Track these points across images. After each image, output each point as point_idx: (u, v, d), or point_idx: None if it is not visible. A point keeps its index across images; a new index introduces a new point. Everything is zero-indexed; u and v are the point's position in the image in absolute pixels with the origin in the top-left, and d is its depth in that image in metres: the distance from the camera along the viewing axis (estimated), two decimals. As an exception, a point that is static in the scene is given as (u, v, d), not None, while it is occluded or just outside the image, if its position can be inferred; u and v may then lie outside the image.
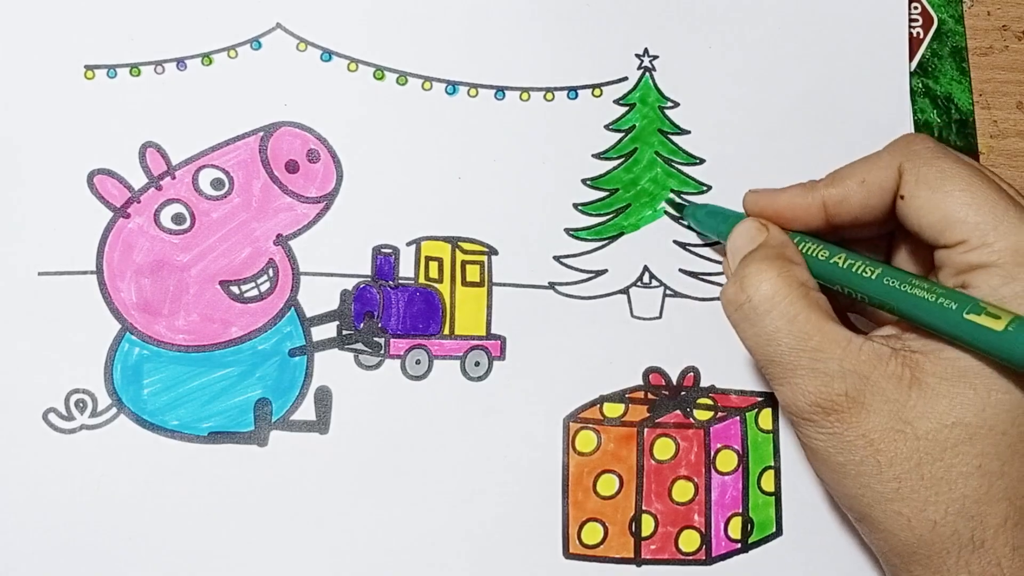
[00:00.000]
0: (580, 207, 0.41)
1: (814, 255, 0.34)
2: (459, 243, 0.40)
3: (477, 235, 0.40)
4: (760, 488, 0.40)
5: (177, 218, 0.39)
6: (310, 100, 0.40)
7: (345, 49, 0.41)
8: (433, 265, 0.40)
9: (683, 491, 0.39)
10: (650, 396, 0.40)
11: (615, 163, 0.41)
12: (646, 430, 0.39)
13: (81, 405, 0.38)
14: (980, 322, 0.28)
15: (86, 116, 0.39)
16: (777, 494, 0.40)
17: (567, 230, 0.41)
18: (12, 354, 0.38)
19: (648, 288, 0.40)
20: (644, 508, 0.39)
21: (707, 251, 0.41)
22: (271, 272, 0.39)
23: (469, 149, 0.40)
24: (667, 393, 0.40)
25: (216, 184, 0.39)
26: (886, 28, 0.42)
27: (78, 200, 0.39)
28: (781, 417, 0.40)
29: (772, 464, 0.40)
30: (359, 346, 0.39)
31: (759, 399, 0.40)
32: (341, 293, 0.39)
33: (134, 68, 0.40)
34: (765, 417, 0.40)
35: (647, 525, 0.39)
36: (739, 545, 0.39)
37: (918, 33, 0.43)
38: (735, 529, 0.39)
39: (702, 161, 0.41)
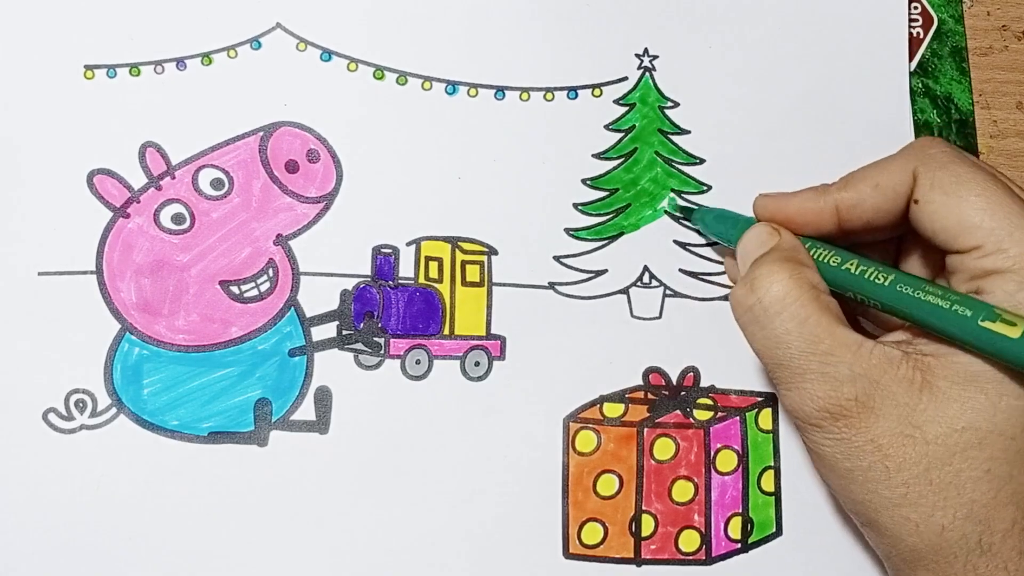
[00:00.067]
0: (580, 207, 0.41)
1: (826, 261, 0.34)
2: (459, 243, 0.40)
3: (477, 235, 0.40)
4: (760, 488, 0.40)
5: (177, 218, 0.39)
6: (310, 100, 0.40)
7: (345, 49, 0.41)
8: (433, 265, 0.40)
9: (683, 491, 0.39)
10: (650, 396, 0.40)
11: (615, 163, 0.41)
12: (646, 430, 0.39)
13: (81, 405, 0.38)
14: (995, 329, 0.28)
15: (86, 116, 0.39)
16: (777, 494, 0.40)
17: (567, 230, 0.41)
18: (12, 354, 0.38)
19: (648, 288, 0.40)
20: (644, 508, 0.39)
21: (707, 251, 0.41)
22: (271, 272, 0.39)
23: (469, 149, 0.40)
24: (667, 393, 0.40)
25: (216, 184, 0.39)
26: (886, 28, 0.42)
27: (78, 200, 0.39)
28: (781, 417, 0.40)
29: (772, 464, 0.40)
30: (359, 346, 0.39)
31: (759, 399, 0.40)
32: (341, 293, 0.39)
33: (134, 68, 0.40)
34: (765, 417, 0.40)
35: (647, 525, 0.39)
36: (739, 545, 0.39)
37: (918, 33, 0.43)
38: (735, 529, 0.39)
39: (702, 161, 0.41)
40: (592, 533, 0.39)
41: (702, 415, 0.40)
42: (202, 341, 0.39)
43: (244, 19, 0.40)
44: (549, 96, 0.41)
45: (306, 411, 0.39)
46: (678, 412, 0.40)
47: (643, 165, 0.41)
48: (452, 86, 0.41)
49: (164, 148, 0.39)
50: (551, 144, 0.41)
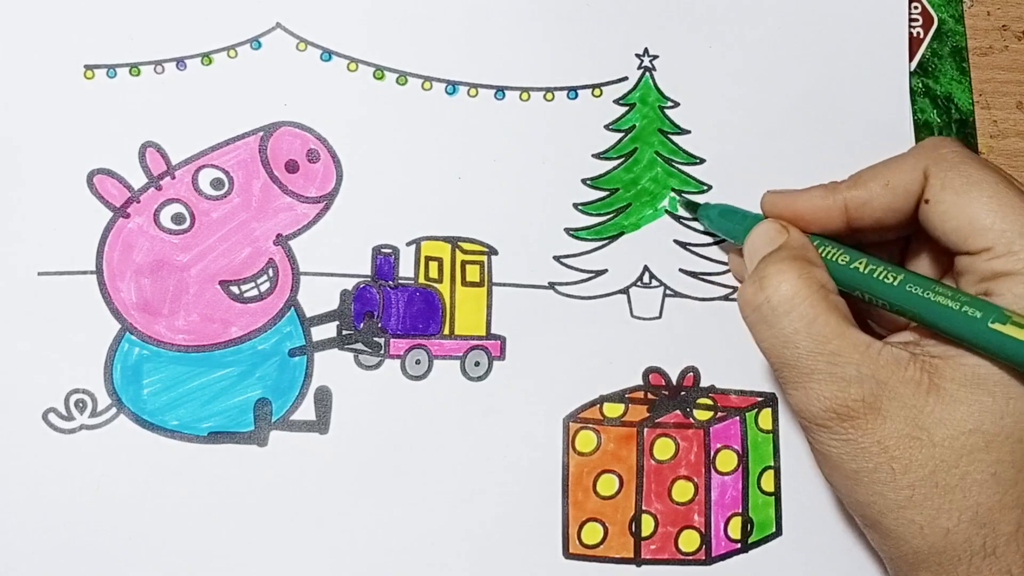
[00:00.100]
0: (580, 207, 0.41)
1: (834, 259, 0.34)
2: (459, 243, 0.40)
3: (477, 235, 0.40)
4: (760, 488, 0.40)
5: (177, 218, 0.39)
6: (310, 100, 0.40)
7: (345, 49, 0.41)
8: (433, 265, 0.40)
9: (683, 491, 0.39)
10: (650, 396, 0.40)
11: (615, 163, 0.41)
12: (646, 430, 0.39)
13: (81, 405, 0.38)
14: (1006, 331, 0.28)
15: (86, 116, 0.39)
16: (777, 494, 0.40)
17: (567, 230, 0.41)
18: (12, 354, 0.38)
19: (648, 288, 0.40)
20: (644, 508, 0.39)
21: (708, 251, 0.41)
22: (271, 272, 0.39)
23: (469, 149, 0.40)
24: (667, 393, 0.40)
25: (216, 184, 0.39)
26: (886, 28, 0.42)
27: (78, 200, 0.39)
28: (781, 417, 0.40)
29: (772, 464, 0.40)
30: (359, 346, 0.39)
31: (759, 399, 0.40)
32: (341, 293, 0.39)
33: (134, 68, 0.40)
34: (765, 417, 0.40)
35: (647, 525, 0.39)
36: (739, 545, 0.39)
37: (918, 33, 0.43)
38: (735, 529, 0.39)
39: (702, 161, 0.41)
40: (592, 533, 0.39)
41: (702, 415, 0.40)
42: (202, 341, 0.39)
43: (244, 19, 0.40)
44: (549, 96, 0.41)
45: (306, 411, 0.39)
46: (678, 412, 0.40)
47: (643, 165, 0.41)
48: (452, 86, 0.41)
49: (164, 148, 0.39)
50: (551, 144, 0.41)
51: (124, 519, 0.37)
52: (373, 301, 0.39)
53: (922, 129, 0.42)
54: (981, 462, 0.29)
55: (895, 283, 0.32)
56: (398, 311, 0.39)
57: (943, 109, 0.42)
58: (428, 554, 0.38)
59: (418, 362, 0.39)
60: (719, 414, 0.40)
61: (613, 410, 0.40)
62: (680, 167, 0.41)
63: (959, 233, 0.31)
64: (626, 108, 0.41)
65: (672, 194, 0.41)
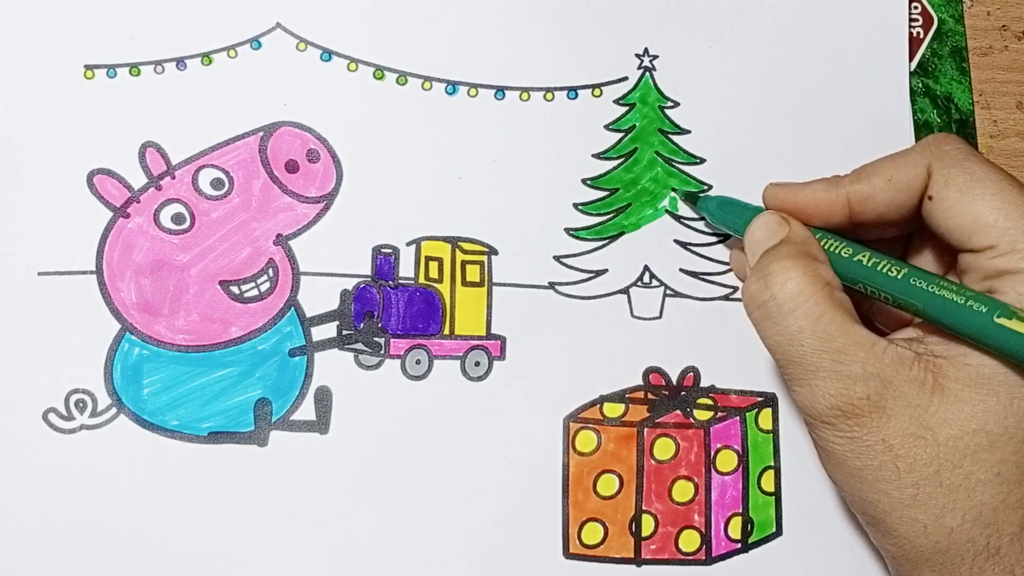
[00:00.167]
0: (580, 207, 0.41)
1: (837, 252, 0.33)
2: (459, 243, 0.40)
3: (477, 235, 0.40)
4: (760, 488, 0.40)
5: (177, 218, 0.39)
6: (310, 100, 0.40)
7: (345, 49, 0.41)
8: (433, 265, 0.40)
9: (683, 491, 0.39)
10: (650, 396, 0.40)
11: (615, 163, 0.41)
12: (646, 430, 0.39)
13: (81, 405, 0.38)
14: (1011, 326, 0.28)
15: (86, 116, 0.39)
16: (777, 494, 0.40)
17: (567, 230, 0.41)
18: (12, 354, 0.38)
19: (648, 288, 0.40)
20: (644, 508, 0.39)
21: (708, 251, 0.41)
22: (271, 272, 0.39)
23: (469, 149, 0.40)
24: (667, 393, 0.40)
25: (216, 184, 0.39)
26: (886, 28, 0.42)
27: (78, 200, 0.39)
28: (781, 417, 0.40)
29: (772, 464, 0.40)
30: (359, 346, 0.39)
31: (759, 399, 0.40)
32: (341, 293, 0.39)
33: (134, 68, 0.40)
34: (765, 417, 0.40)
35: (647, 525, 0.39)
36: (739, 545, 0.39)
37: (918, 33, 0.43)
38: (735, 529, 0.39)
39: (702, 161, 0.41)
40: (592, 533, 0.39)
41: (702, 415, 0.40)
42: (202, 341, 0.39)
43: (244, 19, 0.40)
44: (549, 96, 0.41)
45: (306, 411, 0.39)
46: (678, 412, 0.40)
47: (643, 165, 0.41)
48: (452, 86, 0.41)
49: (164, 148, 0.39)
50: (551, 144, 0.41)
51: (124, 519, 0.37)
52: (373, 301, 0.39)
53: (922, 129, 0.42)
54: (985, 462, 0.29)
55: (899, 276, 0.31)
56: (398, 311, 0.39)
57: (943, 109, 0.42)
58: (428, 554, 0.38)
59: (418, 362, 0.39)
60: (719, 414, 0.40)
61: (613, 410, 0.40)
62: (680, 167, 0.41)
63: (963, 230, 0.31)
64: (626, 108, 0.41)
65: (672, 193, 0.41)
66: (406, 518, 0.38)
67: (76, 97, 0.39)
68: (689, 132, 0.41)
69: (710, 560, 0.39)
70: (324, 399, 0.39)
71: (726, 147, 0.41)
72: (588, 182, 0.41)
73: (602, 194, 0.41)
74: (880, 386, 0.30)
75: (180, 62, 0.40)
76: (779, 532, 0.39)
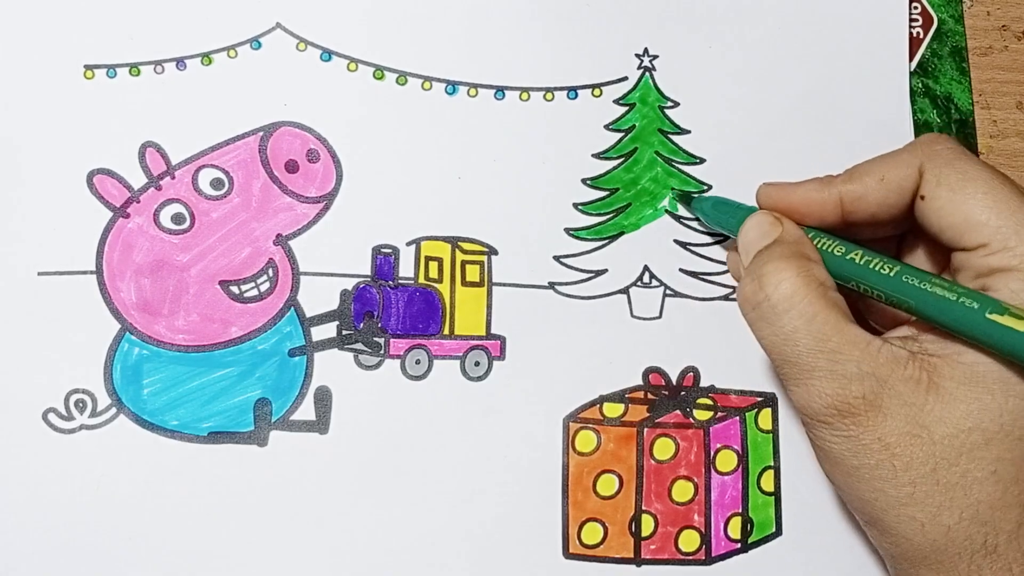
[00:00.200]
0: (580, 207, 0.41)
1: (829, 251, 0.34)
2: (459, 243, 0.40)
3: (477, 235, 0.40)
4: (760, 488, 0.40)
5: (177, 218, 0.39)
6: (310, 100, 0.40)
7: (345, 49, 0.41)
8: (433, 265, 0.40)
9: (683, 491, 0.39)
10: (650, 396, 0.40)
11: (615, 163, 0.41)
12: (646, 430, 0.39)
13: (81, 405, 0.38)
14: (1003, 323, 0.28)
15: (86, 116, 0.39)
16: (777, 494, 0.40)
17: (567, 230, 0.41)
18: (12, 354, 0.38)
19: (648, 288, 0.40)
20: (644, 508, 0.39)
21: (708, 251, 0.41)
22: (271, 272, 0.39)
23: (469, 149, 0.40)
24: (667, 393, 0.40)
25: (216, 184, 0.39)
26: (886, 28, 0.42)
27: (78, 200, 0.39)
28: (781, 417, 0.40)
29: (772, 464, 0.40)
30: (359, 346, 0.39)
31: (759, 399, 0.40)
32: (341, 293, 0.39)
33: (134, 68, 0.40)
34: (765, 417, 0.40)
35: (647, 525, 0.39)
36: (739, 545, 0.39)
37: (918, 33, 0.43)
38: (735, 529, 0.39)
39: (702, 161, 0.41)
40: (592, 533, 0.39)
41: (702, 415, 0.40)
42: (202, 341, 0.39)
43: (244, 19, 0.40)
44: (549, 96, 0.41)
45: (306, 411, 0.39)
46: (678, 412, 0.40)
47: (643, 165, 0.41)
48: (452, 86, 0.41)
49: (164, 148, 0.39)
50: (551, 144, 0.41)
51: (124, 519, 0.37)
52: (373, 301, 0.39)
53: (922, 129, 0.42)
54: (981, 460, 0.29)
55: (891, 274, 0.32)
56: (398, 311, 0.39)
57: (943, 109, 0.42)
58: (428, 554, 0.38)
59: (418, 362, 0.39)
60: (719, 414, 0.40)
61: (613, 410, 0.40)
62: (680, 167, 0.41)
63: (955, 229, 0.31)
64: (626, 108, 0.41)
65: (672, 193, 0.41)
66: (406, 518, 0.38)
67: (76, 97, 0.39)
68: (689, 132, 0.41)
69: (710, 560, 0.39)
70: (324, 399, 0.39)
71: (726, 147, 0.41)
72: (588, 182, 0.41)
73: (602, 194, 0.41)
74: (876, 385, 0.30)
75: (180, 62, 0.40)
76: (779, 532, 0.39)
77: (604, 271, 0.40)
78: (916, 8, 0.43)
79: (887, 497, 0.30)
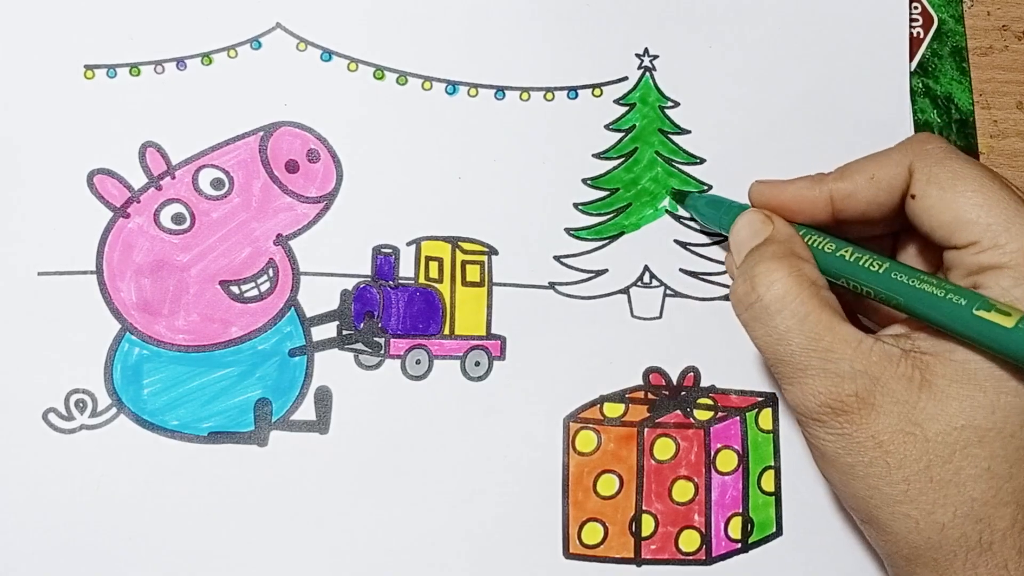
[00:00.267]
0: (580, 207, 0.41)
1: (820, 248, 0.34)
2: (459, 243, 0.40)
3: (477, 235, 0.40)
4: (760, 488, 0.40)
5: (177, 218, 0.39)
6: (310, 100, 0.40)
7: (345, 49, 0.41)
8: (433, 265, 0.40)
9: (683, 491, 0.39)
10: (650, 396, 0.40)
11: (615, 163, 0.41)
12: (646, 430, 0.39)
13: (81, 405, 0.38)
14: (990, 319, 0.28)
15: (86, 116, 0.39)
16: (777, 494, 0.40)
17: (567, 230, 0.41)
18: (12, 354, 0.38)
19: (648, 288, 0.40)
20: (644, 508, 0.39)
21: (708, 251, 0.41)
22: (271, 272, 0.39)
23: (469, 149, 0.40)
24: (667, 393, 0.40)
25: (216, 184, 0.39)
26: (886, 28, 0.42)
27: (78, 200, 0.39)
28: (781, 417, 0.40)
29: (772, 464, 0.40)
30: (359, 346, 0.39)
31: (759, 399, 0.40)
32: (341, 293, 0.39)
33: (134, 68, 0.40)
34: (765, 417, 0.40)
35: (647, 525, 0.39)
36: (739, 545, 0.39)
37: (918, 33, 0.43)
38: (735, 529, 0.39)
39: (702, 161, 0.41)
40: (592, 533, 0.39)
41: (702, 415, 0.40)
42: (202, 341, 0.39)
43: (244, 19, 0.40)
44: (549, 96, 0.41)
45: (306, 411, 0.39)
46: (678, 412, 0.40)
47: (643, 165, 0.41)
48: (452, 86, 0.41)
49: (164, 148, 0.39)
50: (551, 144, 0.41)
51: (124, 519, 0.37)
52: (373, 301, 0.39)
53: (922, 129, 0.42)
54: (975, 457, 0.29)
55: (880, 271, 0.32)
56: (398, 311, 0.39)
57: (943, 109, 0.42)
58: (428, 554, 0.38)
59: (418, 362, 0.39)
60: (719, 414, 0.40)
61: (613, 410, 0.40)
62: (680, 167, 0.41)
63: (946, 228, 0.31)
64: (626, 108, 0.41)
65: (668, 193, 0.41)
66: (406, 518, 0.38)
67: (76, 97, 0.39)
68: (689, 132, 0.41)
69: (710, 560, 0.39)
70: (324, 399, 0.39)
71: (726, 147, 0.41)
72: (588, 182, 0.41)
73: (602, 194, 0.41)
74: (868, 383, 0.30)
75: (180, 62, 0.40)
76: (779, 532, 0.39)
77: (604, 271, 0.40)
78: (916, 8, 0.43)
79: (881, 494, 0.31)
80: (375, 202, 0.40)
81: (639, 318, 0.40)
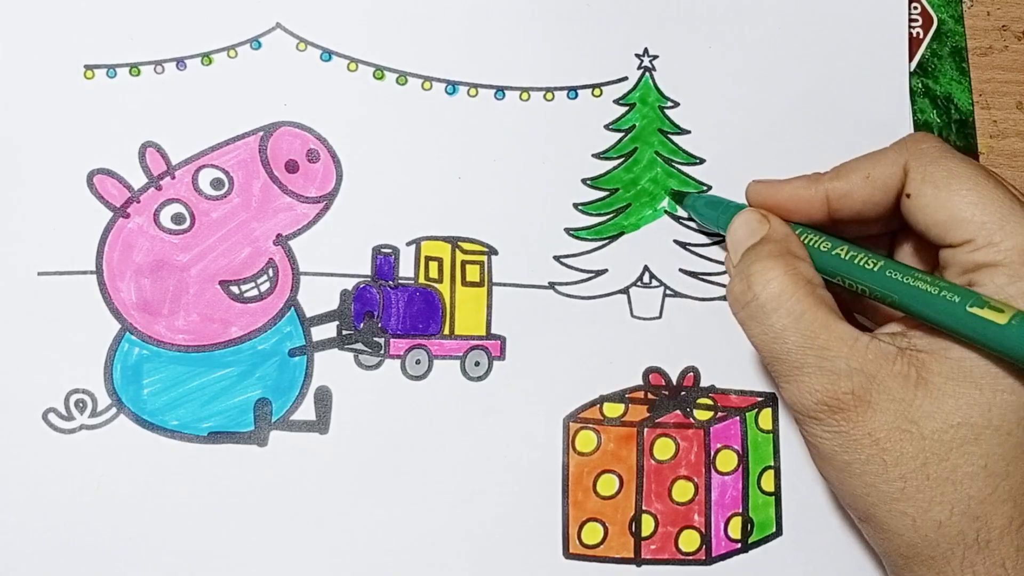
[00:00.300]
0: (580, 207, 0.41)
1: (816, 246, 0.34)
2: (459, 243, 0.40)
3: (477, 235, 0.40)
4: (760, 488, 0.40)
5: (177, 218, 0.39)
6: (310, 100, 0.40)
7: (345, 49, 0.41)
8: (433, 265, 0.40)
9: (683, 491, 0.39)
10: (650, 396, 0.40)
11: (615, 163, 0.41)
12: (646, 430, 0.39)
13: (81, 405, 0.38)
14: (983, 315, 0.28)
15: (86, 116, 0.39)
16: (777, 494, 0.40)
17: (567, 230, 0.41)
18: (12, 354, 0.38)
19: (648, 288, 0.40)
20: (644, 508, 0.39)
21: (708, 251, 0.41)
22: (271, 272, 0.39)
23: (469, 149, 0.40)
24: (667, 393, 0.40)
25: (216, 184, 0.39)
26: (886, 28, 0.42)
27: (78, 200, 0.39)
28: (781, 417, 0.40)
29: (772, 464, 0.40)
30: (359, 346, 0.39)
31: (759, 399, 0.40)
32: (341, 293, 0.39)
33: (134, 68, 0.40)
34: (765, 417, 0.40)
35: (647, 525, 0.39)
36: (739, 545, 0.39)
37: (918, 33, 0.43)
38: (735, 529, 0.39)
39: (702, 161, 0.41)
40: (592, 533, 0.39)
41: (702, 415, 0.40)
42: (202, 341, 0.39)
43: (244, 19, 0.40)
44: (549, 96, 0.41)
45: (306, 411, 0.39)
46: (678, 412, 0.40)
47: (643, 165, 0.41)
48: (452, 86, 0.41)
49: (164, 148, 0.39)
50: (551, 144, 0.41)
51: (124, 519, 0.37)
52: (373, 301, 0.39)
53: (922, 129, 0.42)
54: (971, 455, 0.29)
55: (875, 269, 0.32)
56: (398, 311, 0.39)
57: (943, 109, 0.42)
58: (428, 554, 0.38)
59: (418, 362, 0.39)
60: (719, 414, 0.40)
61: (613, 410, 0.40)
62: (680, 167, 0.41)
63: (941, 226, 0.31)
64: (626, 108, 0.41)
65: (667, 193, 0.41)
66: (406, 518, 0.38)
67: (76, 97, 0.39)
68: (689, 132, 0.41)
69: (710, 560, 0.39)
70: (324, 399, 0.39)
71: (726, 147, 0.41)
72: (588, 182, 0.41)
73: (602, 194, 0.41)
74: (864, 381, 0.30)
75: (180, 62, 0.40)
76: (779, 532, 0.39)
77: (604, 271, 0.40)
78: (916, 8, 0.43)
79: (878, 492, 0.31)
80: (375, 202, 0.40)
81: (639, 318, 0.40)
